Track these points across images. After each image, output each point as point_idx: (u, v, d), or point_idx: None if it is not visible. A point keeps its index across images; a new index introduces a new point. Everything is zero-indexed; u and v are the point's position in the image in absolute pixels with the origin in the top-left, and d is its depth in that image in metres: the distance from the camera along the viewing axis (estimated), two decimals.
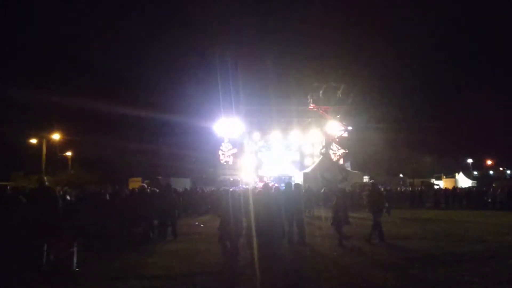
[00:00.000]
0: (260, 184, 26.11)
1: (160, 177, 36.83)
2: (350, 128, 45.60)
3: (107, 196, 12.89)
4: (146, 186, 15.07)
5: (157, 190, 14.60)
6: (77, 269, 8.19)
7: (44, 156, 36.59)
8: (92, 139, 44.22)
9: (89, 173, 38.97)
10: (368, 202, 13.79)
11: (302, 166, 44.70)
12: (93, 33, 73.47)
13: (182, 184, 33.39)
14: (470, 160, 62.86)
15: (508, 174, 64.33)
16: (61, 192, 12.13)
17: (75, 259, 8.27)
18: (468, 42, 79.21)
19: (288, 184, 13.46)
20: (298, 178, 35.55)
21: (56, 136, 39.33)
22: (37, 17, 66.95)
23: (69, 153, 43.67)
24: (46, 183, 9.05)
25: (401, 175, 52.30)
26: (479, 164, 65.14)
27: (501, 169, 67.06)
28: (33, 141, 38.12)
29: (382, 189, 33.44)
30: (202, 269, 8.70)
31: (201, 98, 69.91)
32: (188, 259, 9.69)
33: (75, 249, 8.32)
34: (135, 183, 29.48)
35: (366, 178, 39.63)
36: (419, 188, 35.80)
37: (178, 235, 12.88)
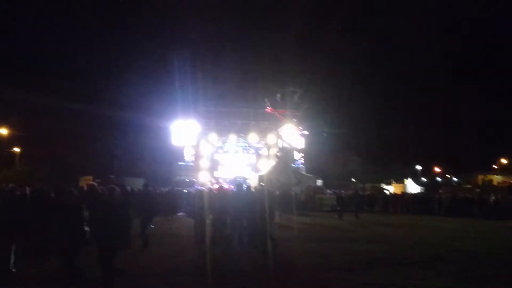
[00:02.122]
0: (216, 186, 26.05)
1: (112, 176, 35.99)
2: (306, 132, 46.35)
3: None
4: (96, 184, 14.65)
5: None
6: (13, 270, 7.90)
7: None
8: (41, 135, 42.71)
9: (38, 170, 37.56)
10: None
11: (258, 169, 44.95)
12: (45, 26, 71.02)
13: (135, 184, 32.77)
14: (419, 167, 65.13)
15: (454, 181, 67.24)
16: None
17: (12, 259, 7.94)
18: (423, 47, 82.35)
19: (239, 185, 13.49)
20: (253, 181, 35.70)
21: (3, 131, 37.71)
22: None
23: (17, 149, 41.91)
24: None
25: (353, 180, 53.55)
26: (427, 171, 67.62)
27: (448, 176, 69.98)
28: None
29: (331, 192, 34.41)
30: (151, 271, 8.62)
31: (158, 97, 68.95)
32: (142, 261, 9.59)
33: (13, 249, 7.97)
34: (86, 182, 28.66)
35: (319, 182, 40.33)
36: (369, 193, 36.79)
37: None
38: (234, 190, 15.65)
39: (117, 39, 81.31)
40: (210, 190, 15.41)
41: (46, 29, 70.24)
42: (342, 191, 33.06)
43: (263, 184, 17.45)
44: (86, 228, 6.86)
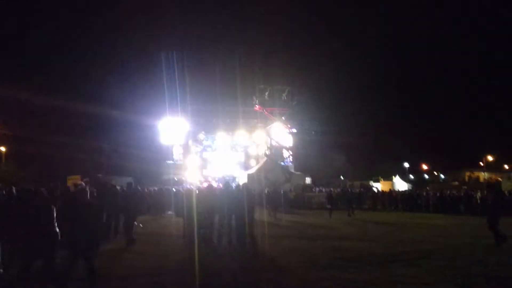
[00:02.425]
0: (205, 184, 25.99)
1: (100, 175, 35.72)
2: (294, 130, 46.48)
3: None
4: (84, 185, 14.48)
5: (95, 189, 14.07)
6: (1, 271, 7.80)
7: None
8: (28, 133, 42.22)
9: (24, 170, 37.12)
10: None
11: (246, 167, 44.97)
12: (33, 26, 70.24)
13: (123, 183, 32.54)
14: (406, 164, 65.66)
15: (441, 178, 67.91)
16: None
17: None
18: (410, 45, 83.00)
19: (227, 184, 13.60)
20: (242, 179, 35.73)
21: None
22: None
23: (2, 148, 41.38)
24: None
25: (341, 177, 53.81)
26: (415, 168, 68.21)
27: (435, 173, 70.64)
28: None
29: (323, 190, 34.53)
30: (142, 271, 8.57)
31: (146, 96, 68.57)
32: (129, 260, 9.52)
33: None
34: (74, 181, 28.38)
35: (308, 180, 40.47)
36: (357, 190, 36.97)
37: (119, 234, 12.51)
38: (222, 188, 15.70)
39: (104, 38, 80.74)
40: (199, 188, 15.39)
41: (34, 28, 69.48)
42: (331, 189, 33.20)
43: (245, 183, 17.54)
44: (57, 230, 6.74)
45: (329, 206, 23.72)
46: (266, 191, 25.57)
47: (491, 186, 13.91)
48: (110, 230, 12.33)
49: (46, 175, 35.57)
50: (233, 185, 18.61)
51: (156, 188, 27.85)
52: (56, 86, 50.19)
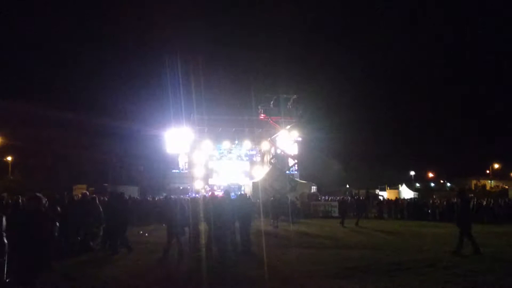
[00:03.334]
0: (210, 193, 26.03)
1: (107, 184, 35.90)
2: (299, 138, 46.47)
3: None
4: (88, 193, 14.58)
5: (105, 198, 14.15)
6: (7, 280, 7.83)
7: None
8: (35, 144, 42.54)
9: (30, 180, 37.35)
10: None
11: (252, 176, 44.96)
12: (36, 37, 70.96)
13: (130, 192, 32.72)
14: (412, 172, 65.45)
15: (448, 186, 67.53)
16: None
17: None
18: (415, 54, 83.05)
19: (226, 192, 13.79)
20: (247, 188, 35.70)
21: None
22: None
23: (9, 158, 41.68)
24: None
25: (347, 186, 53.67)
26: (421, 176, 67.95)
27: (441, 181, 70.30)
28: None
29: (329, 198, 34.44)
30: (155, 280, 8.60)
31: (152, 106, 69.05)
32: (136, 271, 9.55)
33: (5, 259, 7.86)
34: (80, 191, 28.54)
35: (314, 188, 40.37)
36: (363, 198, 36.79)
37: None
38: (233, 197, 15.92)
39: (111, 49, 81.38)
40: (204, 197, 15.46)
41: (40, 40, 70.18)
42: (343, 197, 33.07)
43: (244, 192, 17.79)
44: (5, 240, 6.54)
45: (341, 215, 23.65)
46: (271, 199, 25.39)
47: (461, 193, 14.03)
48: (69, 245, 11.67)
49: (53, 185, 35.77)
50: (232, 194, 18.78)
51: (161, 197, 27.91)
52: (63, 98, 50.61)
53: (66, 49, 73.11)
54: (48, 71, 72.24)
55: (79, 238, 12.01)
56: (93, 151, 50.43)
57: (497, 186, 58.05)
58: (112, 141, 54.07)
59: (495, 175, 62.36)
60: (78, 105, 53.58)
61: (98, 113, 50.48)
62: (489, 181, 61.12)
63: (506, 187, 52.38)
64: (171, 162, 48.67)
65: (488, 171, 62.01)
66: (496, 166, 61.71)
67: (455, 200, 15.51)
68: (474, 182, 63.08)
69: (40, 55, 69.49)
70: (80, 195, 14.80)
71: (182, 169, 47.82)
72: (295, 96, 44.25)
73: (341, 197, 32.31)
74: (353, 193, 46.62)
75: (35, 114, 42.88)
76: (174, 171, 48.45)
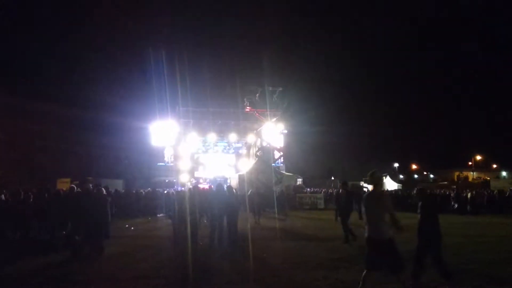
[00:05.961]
0: (201, 186, 25.94)
1: (90, 178, 35.54)
2: (285, 131, 46.56)
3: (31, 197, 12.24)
4: (75, 187, 14.41)
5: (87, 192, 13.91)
6: None
7: None
8: (17, 137, 41.88)
9: (13, 173, 36.81)
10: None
11: (238, 169, 44.95)
12: (17, 28, 69.66)
13: (114, 185, 32.45)
14: (396, 164, 66.14)
15: (431, 178, 68.49)
16: None
17: None
18: (402, 48, 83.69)
19: (219, 185, 13.72)
20: (233, 180, 35.70)
21: None
22: None
23: None
24: None
25: (332, 178, 54.06)
26: (404, 168, 68.72)
27: (425, 173, 71.25)
28: None
29: (313, 190, 34.60)
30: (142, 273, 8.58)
31: (136, 98, 68.47)
32: (124, 264, 9.53)
33: None
34: (64, 184, 28.25)
35: (299, 180, 40.58)
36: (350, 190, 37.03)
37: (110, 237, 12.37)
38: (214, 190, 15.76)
39: (94, 41, 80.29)
40: (193, 188, 15.27)
41: (24, 31, 68.92)
42: (335, 189, 33.18)
43: (230, 185, 17.60)
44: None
45: (336, 207, 23.50)
46: (249, 192, 23.99)
47: (344, 184, 14.81)
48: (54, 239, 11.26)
49: (37, 178, 35.33)
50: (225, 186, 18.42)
51: (147, 190, 27.79)
52: (45, 90, 49.80)
53: (49, 41, 71.95)
54: (30, 64, 71.04)
55: (64, 233, 11.83)
56: (76, 144, 49.86)
57: (479, 177, 59.06)
58: (96, 134, 53.47)
59: (477, 166, 63.39)
60: (61, 98, 52.75)
61: (82, 106, 49.86)
62: (472, 173, 62.14)
63: (488, 178, 53.33)
64: (157, 155, 48.36)
65: (470, 163, 63.02)
66: (478, 157, 62.74)
67: (340, 191, 16.28)
68: (457, 173, 64.12)
69: (21, 47, 68.27)
70: (65, 189, 14.64)
71: (168, 162, 47.59)
72: (280, 89, 44.23)
73: (335, 189, 32.25)
74: (338, 185, 46.93)
75: (17, 107, 42.17)
76: (159, 164, 48.18)
